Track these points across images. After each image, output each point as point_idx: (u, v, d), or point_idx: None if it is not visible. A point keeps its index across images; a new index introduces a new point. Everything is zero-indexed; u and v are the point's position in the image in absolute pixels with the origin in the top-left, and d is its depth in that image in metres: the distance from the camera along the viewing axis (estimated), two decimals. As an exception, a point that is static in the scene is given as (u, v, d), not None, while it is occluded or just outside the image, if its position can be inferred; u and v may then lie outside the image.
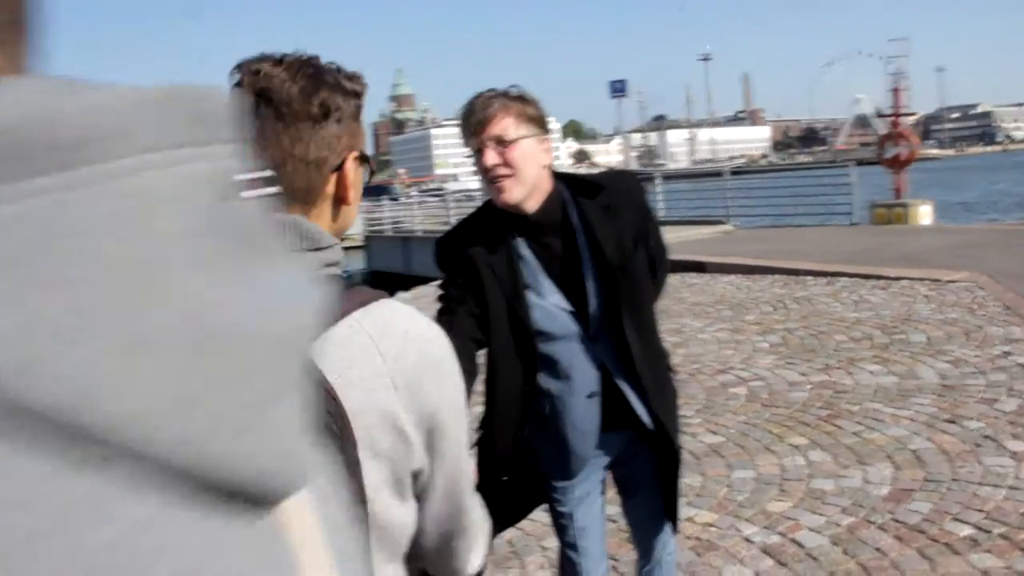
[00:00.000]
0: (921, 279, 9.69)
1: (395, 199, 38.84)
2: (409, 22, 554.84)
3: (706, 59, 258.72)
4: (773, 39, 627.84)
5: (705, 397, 6.21)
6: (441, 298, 2.27)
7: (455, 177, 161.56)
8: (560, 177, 2.30)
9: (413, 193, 57.57)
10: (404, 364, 1.14)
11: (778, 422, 5.51)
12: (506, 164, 2.14)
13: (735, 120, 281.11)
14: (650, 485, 2.54)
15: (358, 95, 1.22)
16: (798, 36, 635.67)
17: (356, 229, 38.95)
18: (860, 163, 19.67)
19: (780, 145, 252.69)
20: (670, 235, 13.88)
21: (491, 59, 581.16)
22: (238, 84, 1.16)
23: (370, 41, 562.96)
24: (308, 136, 1.15)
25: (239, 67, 1.17)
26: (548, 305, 2.27)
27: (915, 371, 6.26)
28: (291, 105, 1.14)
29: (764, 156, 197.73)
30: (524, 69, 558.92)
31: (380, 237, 27.89)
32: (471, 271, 2.22)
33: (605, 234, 2.25)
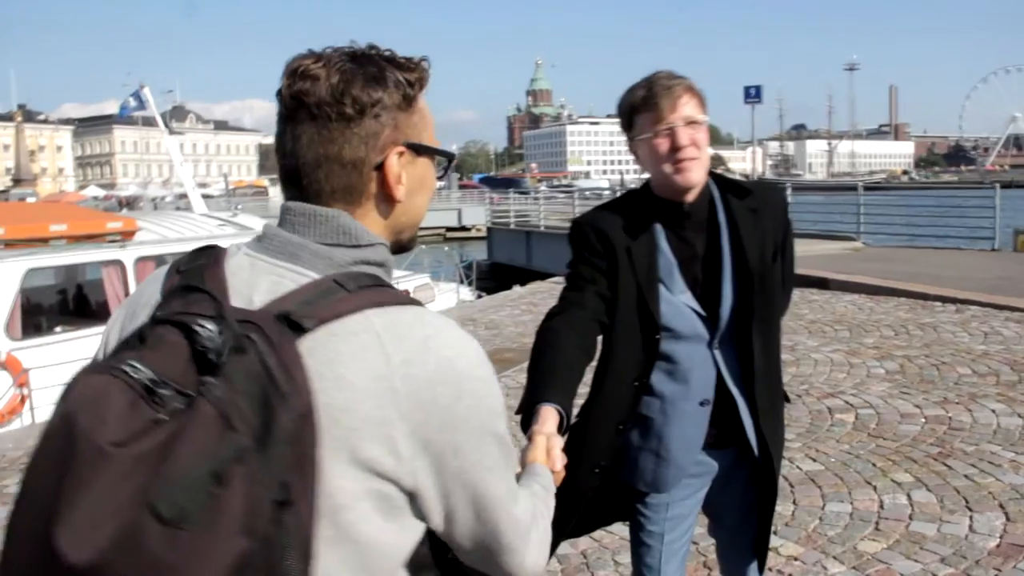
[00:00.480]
0: (1060, 314, 9.06)
1: (524, 193, 39.08)
2: (551, 16, 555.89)
3: (852, 69, 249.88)
4: (923, 51, 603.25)
5: (809, 421, 5.91)
6: (571, 275, 2.23)
7: (587, 175, 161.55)
8: (710, 174, 2.22)
9: (542, 188, 57.69)
10: (415, 372, 1.05)
11: (884, 455, 5.19)
12: (694, 145, 2.09)
13: (878, 133, 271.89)
14: (743, 515, 2.40)
15: (410, 84, 1.17)
16: (951, 48, 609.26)
17: (480, 220, 39.54)
18: (1009, 185, 18.64)
19: (924, 162, 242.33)
20: (796, 248, 13.58)
21: (629, 59, 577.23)
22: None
23: (511, 34, 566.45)
24: (342, 136, 1.12)
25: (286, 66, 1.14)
26: (678, 302, 2.18)
27: (1042, 414, 5.81)
28: (321, 106, 1.11)
29: (905, 172, 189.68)
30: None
31: (503, 230, 27.98)
32: (608, 253, 2.17)
33: (750, 238, 2.18)
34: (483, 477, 1.12)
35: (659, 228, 2.18)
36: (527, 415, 1.84)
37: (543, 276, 16.54)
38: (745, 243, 2.18)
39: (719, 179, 2.25)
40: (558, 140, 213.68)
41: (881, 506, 4.50)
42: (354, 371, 1.02)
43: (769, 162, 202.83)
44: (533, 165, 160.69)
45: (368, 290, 1.09)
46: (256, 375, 0.93)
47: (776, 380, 2.32)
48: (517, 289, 14.12)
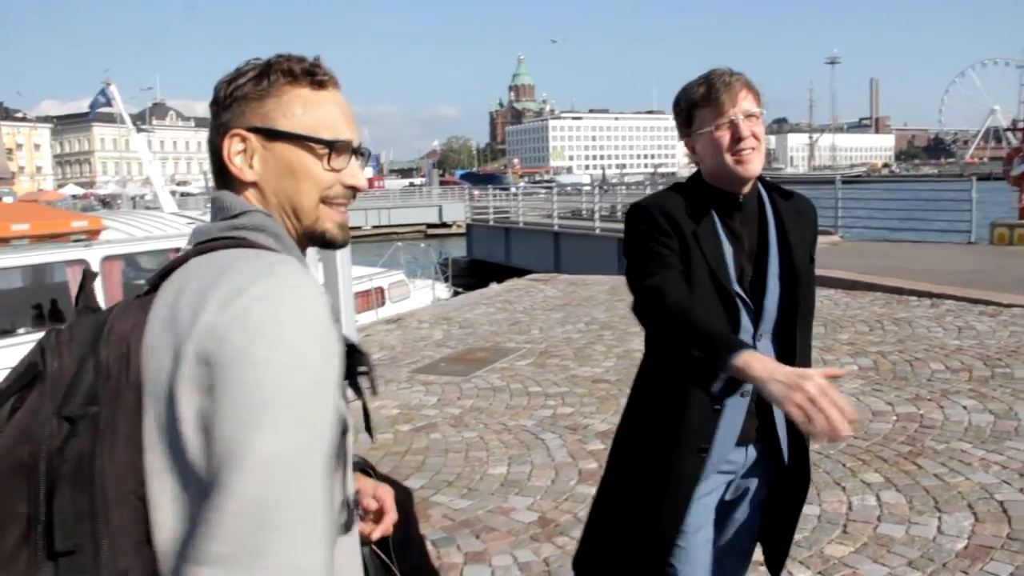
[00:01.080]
0: (1035, 308, 9.01)
1: (505, 189, 38.98)
2: (533, 11, 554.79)
3: (833, 62, 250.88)
4: (905, 44, 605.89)
5: (780, 420, 5.82)
6: (649, 256, 2.18)
7: (569, 170, 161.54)
8: None
9: (521, 184, 57.56)
10: (206, 322, 1.02)
11: (854, 455, 5.10)
12: (754, 136, 2.16)
13: (859, 126, 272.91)
14: (751, 517, 2.39)
15: (266, 75, 1.26)
16: (932, 41, 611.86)
17: (460, 216, 39.45)
18: (986, 178, 18.65)
19: (904, 155, 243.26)
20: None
21: (611, 54, 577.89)
22: None
23: (493, 29, 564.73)
24: (211, 126, 1.28)
25: None
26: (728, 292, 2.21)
27: (1015, 411, 5.72)
28: (213, 104, 1.29)
29: (886, 165, 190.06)
30: (645, 65, 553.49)
31: (482, 226, 27.87)
32: (678, 235, 2.18)
33: (796, 237, 2.26)
34: (250, 452, 0.99)
35: (716, 216, 2.23)
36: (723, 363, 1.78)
37: (521, 273, 16.45)
38: (791, 240, 2.25)
39: (763, 180, 2.32)
40: (540, 135, 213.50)
41: (850, 507, 4.41)
42: (155, 316, 1.08)
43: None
44: (515, 161, 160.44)
45: (211, 243, 1.17)
46: (90, 329, 1.11)
47: None
48: (494, 286, 14.01)
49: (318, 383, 1.03)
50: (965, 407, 5.86)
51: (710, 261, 2.17)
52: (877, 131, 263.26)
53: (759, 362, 1.75)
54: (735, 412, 2.20)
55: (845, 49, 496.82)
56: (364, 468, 1.62)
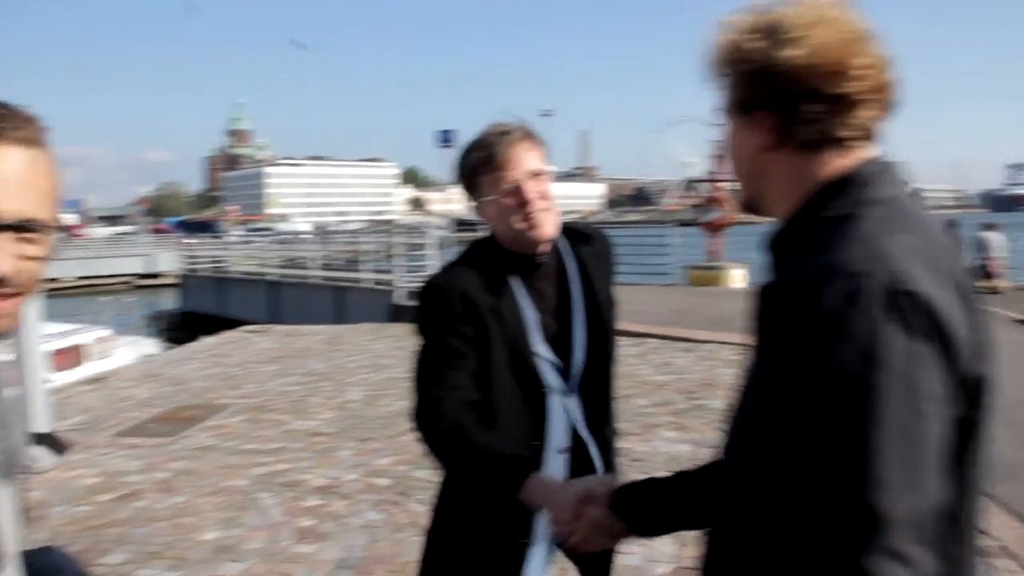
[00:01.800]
0: (724, 343, 9.82)
1: (220, 237, 37.53)
2: (251, 56, 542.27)
3: (547, 115, 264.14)
4: (611, 100, 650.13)
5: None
6: (440, 349, 2.05)
7: (288, 217, 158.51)
8: None
9: (237, 232, 55.73)
10: None
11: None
12: (543, 197, 2.08)
13: (570, 176, 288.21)
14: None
15: None
16: (637, 97, 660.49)
17: (172, 266, 37.57)
18: (684, 224, 20.26)
19: (613, 203, 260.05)
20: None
21: (330, 101, 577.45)
22: None
23: (211, 71, 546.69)
24: None
25: None
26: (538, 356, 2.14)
27: (709, 438, 6.18)
28: None
29: (597, 213, 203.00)
30: (363, 114, 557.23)
31: (196, 276, 26.64)
32: (473, 317, 2.06)
33: (599, 283, 2.22)
34: None
35: (517, 282, 2.14)
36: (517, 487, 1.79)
37: (237, 324, 15.86)
38: (596, 290, 2.20)
39: (564, 226, 2.22)
40: (258, 182, 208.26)
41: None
42: None
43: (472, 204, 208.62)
44: (232, 208, 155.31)
45: None
46: None
47: (614, 420, 2.33)
48: (206, 340, 13.40)
49: None
50: (668, 438, 6.25)
51: (512, 331, 2.09)
52: (588, 180, 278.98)
53: (539, 490, 1.78)
54: (557, 467, 2.11)
55: (558, 103, 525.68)
56: None
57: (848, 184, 1.26)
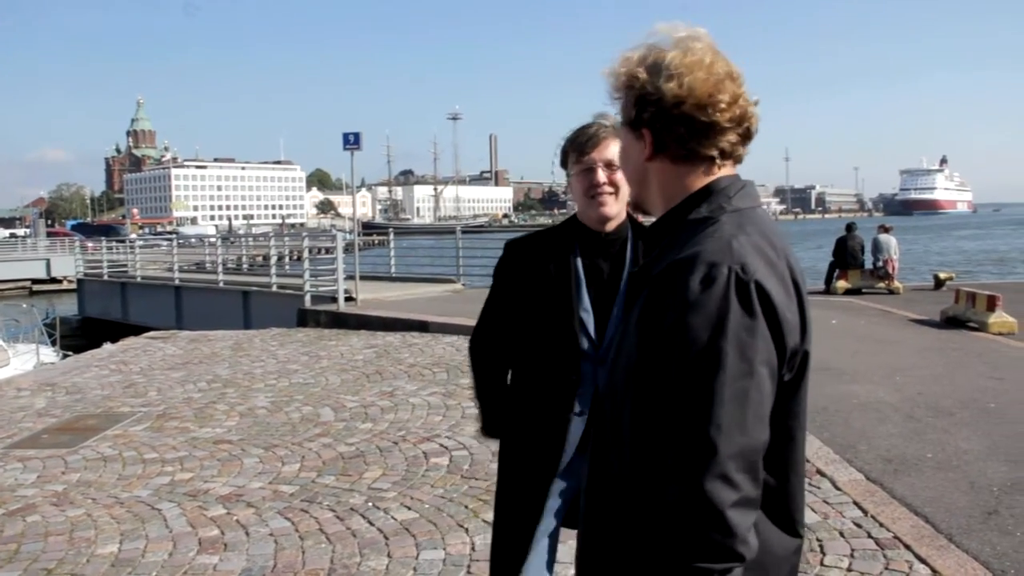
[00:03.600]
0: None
1: (122, 240, 36.48)
2: (153, 52, 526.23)
3: (455, 118, 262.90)
4: (520, 104, 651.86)
5: (405, 468, 5.90)
6: (492, 295, 2.71)
7: (194, 220, 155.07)
8: (630, 217, 2.57)
9: (139, 235, 54.28)
10: None
11: (475, 496, 5.28)
12: (610, 183, 2.45)
13: (480, 179, 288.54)
14: None
15: None
16: (546, 100, 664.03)
17: (71, 271, 36.36)
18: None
19: (522, 206, 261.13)
20: (399, 292, 13.69)
21: (234, 102, 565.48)
22: None
23: (111, 70, 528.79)
24: None
25: None
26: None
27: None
28: None
29: (506, 215, 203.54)
30: (273, 116, 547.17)
31: (96, 281, 25.83)
32: (530, 276, 2.53)
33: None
34: None
35: (578, 251, 2.53)
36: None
37: (140, 330, 15.43)
38: None
39: (639, 224, 2.57)
40: (162, 184, 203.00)
41: (473, 548, 4.53)
42: None
43: (379, 206, 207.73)
44: (134, 211, 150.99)
45: None
46: None
47: None
48: (107, 347, 13.00)
49: None
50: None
51: (560, 292, 2.48)
52: (497, 183, 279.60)
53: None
54: (577, 428, 2.46)
55: (465, 107, 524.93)
56: None
57: (710, 194, 1.57)
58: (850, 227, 19.05)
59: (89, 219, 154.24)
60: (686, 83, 1.51)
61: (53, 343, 16.71)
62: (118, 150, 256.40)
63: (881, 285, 17.92)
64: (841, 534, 4.58)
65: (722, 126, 1.54)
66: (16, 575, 4.46)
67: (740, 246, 1.45)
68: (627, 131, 1.64)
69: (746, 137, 1.60)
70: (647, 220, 2.13)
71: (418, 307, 14.29)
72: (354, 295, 15.20)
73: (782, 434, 1.51)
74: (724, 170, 1.60)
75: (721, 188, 1.57)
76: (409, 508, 5.13)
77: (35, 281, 44.13)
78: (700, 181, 1.59)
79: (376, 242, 35.72)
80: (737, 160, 1.63)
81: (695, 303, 1.39)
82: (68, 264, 39.94)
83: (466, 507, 5.10)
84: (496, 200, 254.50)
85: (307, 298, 15.40)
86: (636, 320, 1.51)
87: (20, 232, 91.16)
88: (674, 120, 1.54)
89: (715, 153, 1.57)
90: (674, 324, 1.40)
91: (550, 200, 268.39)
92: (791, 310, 1.47)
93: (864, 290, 17.87)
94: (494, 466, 5.74)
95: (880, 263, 18.08)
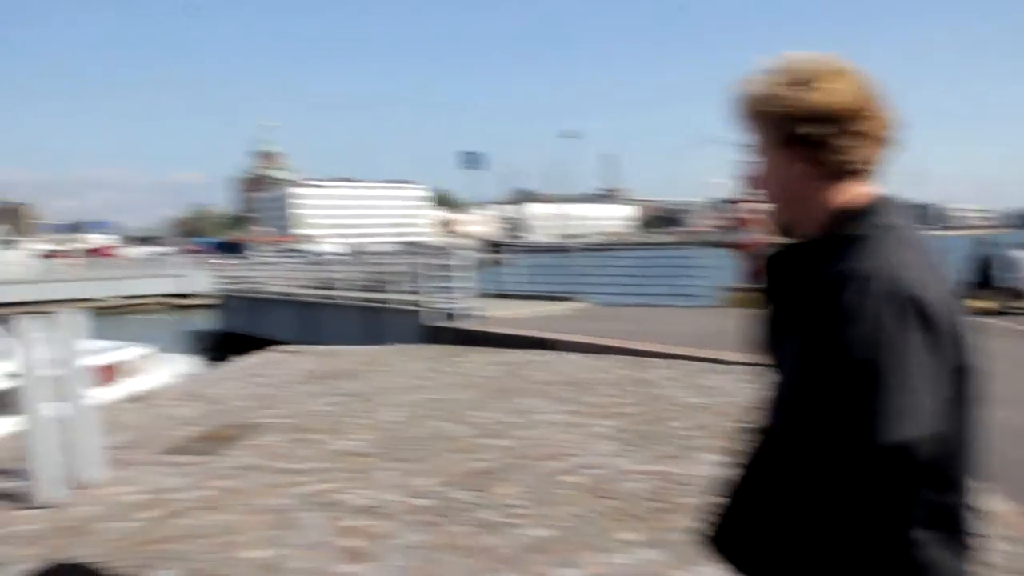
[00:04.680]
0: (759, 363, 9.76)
1: (250, 258, 37.87)
2: (279, 78, 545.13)
3: (572, 136, 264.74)
4: (637, 121, 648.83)
5: (537, 484, 5.95)
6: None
7: (317, 238, 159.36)
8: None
9: (270, 252, 56.15)
10: None
11: (608, 515, 5.28)
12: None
13: (598, 197, 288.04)
14: None
15: None
16: (662, 119, 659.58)
17: (207, 287, 37.89)
18: (715, 245, 20.20)
19: (645, 224, 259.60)
20: (520, 309, 13.62)
21: (360, 123, 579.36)
22: None
23: (239, 95, 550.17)
24: None
25: None
26: None
27: (749, 463, 6.15)
28: None
29: (627, 234, 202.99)
30: (396, 138, 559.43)
31: (232, 296, 26.87)
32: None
33: None
34: None
35: None
36: None
37: (271, 343, 15.97)
38: None
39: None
40: (288, 203, 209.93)
41: (610, 567, 4.54)
42: None
43: (502, 225, 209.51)
44: (263, 229, 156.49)
45: None
46: None
47: None
48: (245, 359, 13.51)
49: None
50: (707, 462, 6.23)
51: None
52: (616, 202, 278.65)
53: None
54: None
55: (586, 124, 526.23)
56: None
57: (864, 213, 1.58)
58: (983, 243, 18.28)
59: (222, 237, 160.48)
60: (835, 92, 1.54)
61: (195, 354, 17.42)
62: (247, 172, 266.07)
63: (1015, 304, 17.10)
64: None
65: (870, 135, 1.57)
66: (175, 574, 4.70)
67: (896, 261, 1.48)
68: (774, 151, 1.64)
69: (889, 146, 1.62)
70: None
71: (540, 324, 14.38)
72: (479, 312, 15.42)
73: (953, 440, 1.56)
74: (872, 187, 1.62)
75: (874, 205, 1.59)
76: (543, 525, 5.18)
77: (176, 296, 46.21)
78: (851, 197, 1.61)
79: (497, 260, 36.09)
80: (878, 172, 1.64)
81: (853, 314, 1.43)
82: (203, 280, 41.69)
83: (601, 526, 5.11)
84: (617, 218, 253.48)
85: (432, 315, 15.69)
86: (799, 335, 1.54)
87: (162, 249, 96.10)
88: (825, 133, 1.56)
89: (864, 167, 1.59)
90: (834, 337, 1.44)
91: (668, 218, 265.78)
92: (948, 324, 1.48)
93: (1001, 310, 17.11)
94: (627, 485, 5.78)
95: (1014, 280, 17.26)
